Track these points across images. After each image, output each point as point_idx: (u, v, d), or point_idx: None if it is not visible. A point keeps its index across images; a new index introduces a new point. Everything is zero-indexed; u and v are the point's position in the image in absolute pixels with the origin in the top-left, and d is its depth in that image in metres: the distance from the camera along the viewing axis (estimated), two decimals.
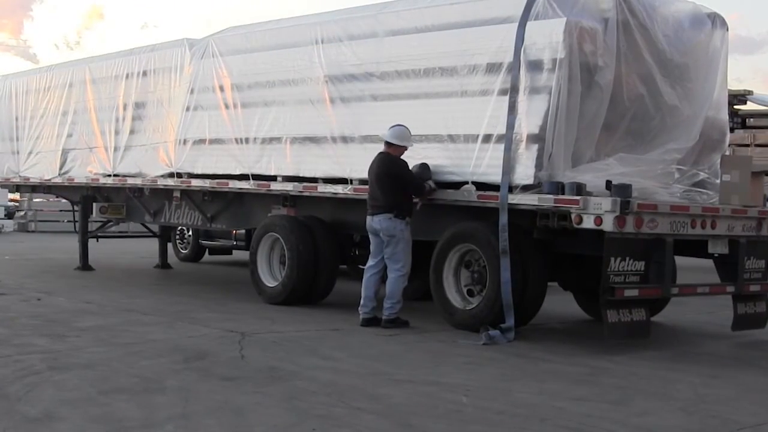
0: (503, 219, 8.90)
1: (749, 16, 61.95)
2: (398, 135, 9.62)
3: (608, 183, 8.60)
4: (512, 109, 9.02)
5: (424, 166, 9.71)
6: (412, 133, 9.62)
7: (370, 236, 9.89)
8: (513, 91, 9.04)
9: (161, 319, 9.90)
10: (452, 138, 9.55)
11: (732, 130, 14.98)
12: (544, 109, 8.82)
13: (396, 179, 9.57)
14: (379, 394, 6.61)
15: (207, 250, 18.16)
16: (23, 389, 6.41)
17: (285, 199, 11.62)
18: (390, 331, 9.46)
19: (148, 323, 9.62)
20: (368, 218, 9.78)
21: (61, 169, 15.17)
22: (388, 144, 9.66)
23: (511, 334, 8.96)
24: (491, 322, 9.08)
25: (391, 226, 9.60)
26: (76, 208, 16.04)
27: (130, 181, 13.79)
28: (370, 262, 9.88)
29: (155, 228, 16.38)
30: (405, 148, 9.68)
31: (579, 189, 8.53)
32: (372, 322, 9.68)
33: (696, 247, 9.62)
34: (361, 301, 9.77)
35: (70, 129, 15.03)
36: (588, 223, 8.44)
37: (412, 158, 9.67)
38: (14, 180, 16.77)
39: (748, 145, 17.41)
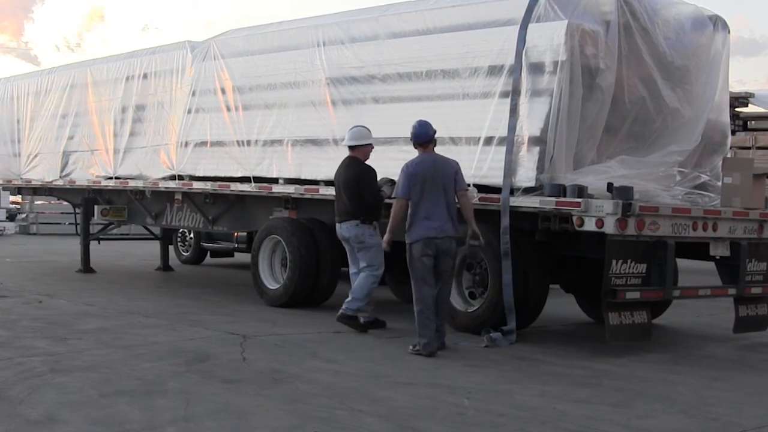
0: (505, 221, 8.91)
1: (753, 18, 61.92)
2: (358, 135, 9.63)
3: (610, 185, 8.61)
4: (514, 111, 9.02)
5: (387, 181, 9.70)
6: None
7: (343, 244, 9.84)
8: (514, 93, 9.05)
9: (163, 322, 9.90)
10: (454, 140, 9.55)
11: (733, 132, 14.97)
12: (546, 112, 8.83)
13: (359, 185, 9.51)
14: (380, 397, 6.61)
15: (208, 252, 18.18)
16: (25, 392, 6.42)
17: (286, 201, 11.63)
18: (388, 333, 9.46)
19: (150, 326, 9.62)
20: (337, 226, 9.74)
21: (62, 171, 15.19)
22: (351, 148, 9.65)
23: (512, 337, 8.96)
24: (493, 325, 9.09)
25: (359, 232, 9.54)
26: (77, 210, 16.05)
27: (132, 183, 13.80)
28: (352, 269, 9.82)
29: (157, 230, 16.37)
30: (370, 148, 9.67)
31: (580, 191, 8.54)
32: (373, 324, 9.67)
33: (697, 250, 9.62)
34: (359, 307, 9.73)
35: (72, 131, 15.05)
36: (589, 225, 8.45)
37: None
38: (16, 182, 16.80)
39: (749, 148, 17.38)
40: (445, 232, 8.52)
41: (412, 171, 8.63)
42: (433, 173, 8.58)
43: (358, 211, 9.52)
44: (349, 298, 9.56)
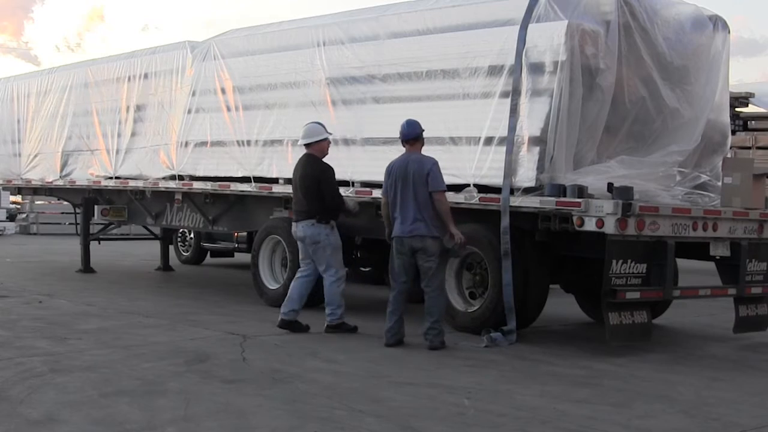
0: (505, 221, 8.91)
1: (753, 18, 62.01)
2: (311, 133, 9.59)
3: (610, 185, 8.61)
4: (514, 111, 9.03)
5: (354, 204, 9.80)
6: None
7: (298, 244, 9.78)
8: (514, 93, 9.05)
9: (163, 322, 9.90)
10: (454, 140, 9.55)
11: (733, 132, 14.96)
12: (546, 112, 8.83)
13: (318, 184, 9.46)
14: (380, 397, 6.61)
15: (209, 252, 18.18)
16: (25, 392, 6.42)
17: (286, 201, 11.61)
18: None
19: (150, 326, 9.63)
20: (293, 225, 9.70)
21: (62, 171, 15.19)
22: (307, 146, 9.62)
23: (512, 337, 8.96)
24: (493, 325, 9.09)
25: (315, 232, 9.43)
26: (77, 210, 16.05)
27: (132, 183, 13.80)
28: (302, 266, 9.72)
29: (157, 230, 16.38)
30: (327, 144, 9.64)
31: (581, 191, 8.54)
32: (290, 325, 9.45)
33: (698, 250, 9.62)
34: (284, 301, 9.61)
35: (72, 131, 15.05)
36: (590, 225, 8.44)
37: None
38: (16, 182, 16.80)
39: (749, 148, 17.39)
40: (413, 232, 8.66)
41: (388, 170, 8.94)
42: (404, 173, 8.75)
43: (314, 210, 9.44)
44: (328, 311, 9.46)
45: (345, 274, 9.66)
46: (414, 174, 8.69)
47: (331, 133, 9.75)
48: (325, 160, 9.70)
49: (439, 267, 8.82)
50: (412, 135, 8.91)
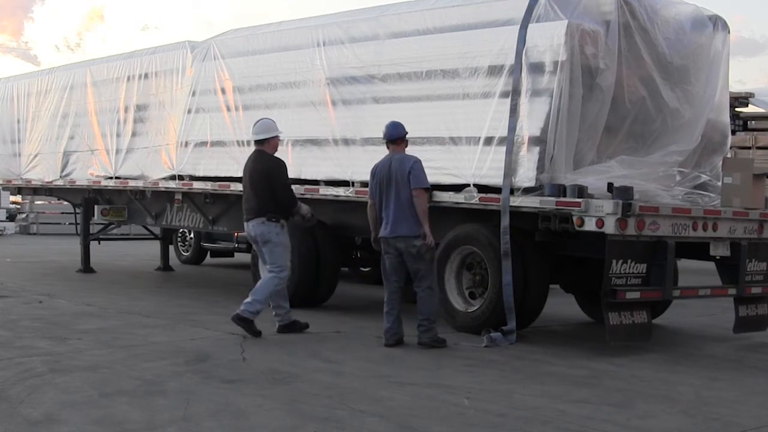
0: (505, 221, 8.91)
1: (753, 18, 62.02)
2: (266, 129, 9.50)
3: (610, 185, 8.61)
4: (514, 111, 9.03)
5: (308, 209, 9.80)
6: (413, 135, 9.61)
7: (252, 244, 9.65)
8: (514, 93, 9.05)
9: (163, 322, 9.90)
10: (454, 140, 9.55)
11: (733, 132, 14.96)
12: (546, 112, 8.83)
13: (269, 179, 9.32)
14: (380, 397, 6.61)
15: (209, 252, 18.18)
16: (25, 392, 6.42)
17: None
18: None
19: (150, 326, 9.63)
20: (244, 224, 9.54)
21: (62, 171, 15.20)
22: (259, 143, 9.51)
23: (512, 337, 8.96)
24: (493, 325, 9.09)
25: (265, 231, 9.23)
26: (77, 210, 16.06)
27: (132, 183, 13.81)
28: (262, 271, 9.65)
29: (157, 230, 16.39)
30: (277, 142, 9.57)
31: (580, 191, 8.54)
32: (288, 327, 9.38)
33: (697, 250, 9.62)
34: (273, 312, 9.47)
35: (72, 131, 15.06)
36: (590, 225, 8.45)
37: None
38: (16, 182, 16.80)
39: (749, 148, 17.38)
40: (395, 232, 8.71)
41: (372, 172, 8.98)
42: (388, 174, 8.79)
43: (265, 208, 9.26)
44: (249, 299, 9.05)
45: (288, 275, 9.40)
46: (396, 173, 8.72)
47: (281, 132, 9.67)
48: (325, 159, 9.67)
49: (428, 267, 8.82)
50: (396, 135, 8.94)
